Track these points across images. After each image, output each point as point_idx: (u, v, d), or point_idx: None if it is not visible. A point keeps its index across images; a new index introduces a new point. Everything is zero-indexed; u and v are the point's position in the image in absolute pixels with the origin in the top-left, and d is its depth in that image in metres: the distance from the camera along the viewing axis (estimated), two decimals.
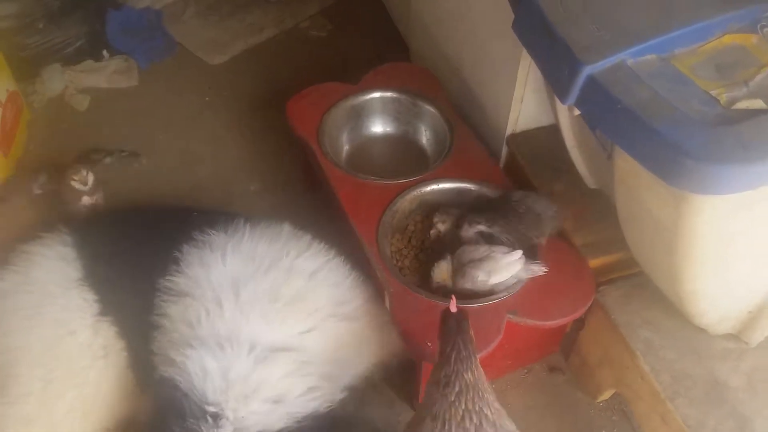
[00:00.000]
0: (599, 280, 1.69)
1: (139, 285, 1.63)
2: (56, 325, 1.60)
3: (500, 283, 1.61)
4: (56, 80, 2.65)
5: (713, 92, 1.09)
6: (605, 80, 1.13)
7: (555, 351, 1.94)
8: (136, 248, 1.71)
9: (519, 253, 1.61)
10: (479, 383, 1.24)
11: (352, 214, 1.80)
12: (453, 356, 1.22)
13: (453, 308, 1.28)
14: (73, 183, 2.04)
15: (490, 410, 1.24)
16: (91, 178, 2.07)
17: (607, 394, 1.80)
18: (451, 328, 1.25)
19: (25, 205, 2.24)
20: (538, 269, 1.62)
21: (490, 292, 1.61)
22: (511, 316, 1.58)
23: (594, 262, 1.71)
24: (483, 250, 1.62)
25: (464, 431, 1.20)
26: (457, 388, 1.21)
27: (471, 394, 1.22)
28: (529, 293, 1.62)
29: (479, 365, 1.26)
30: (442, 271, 1.66)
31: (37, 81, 2.63)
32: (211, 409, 1.43)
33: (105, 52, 2.76)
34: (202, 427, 1.41)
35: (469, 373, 1.22)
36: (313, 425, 1.50)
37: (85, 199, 2.08)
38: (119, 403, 1.67)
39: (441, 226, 1.77)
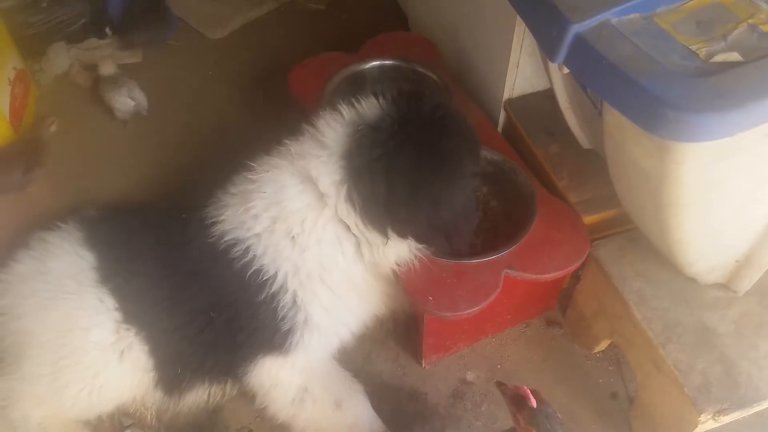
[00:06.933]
0: (594, 236, 1.76)
1: (159, 293, 1.65)
2: (69, 318, 1.64)
3: None
4: (62, 58, 2.71)
5: (693, 47, 1.15)
6: (591, 38, 1.19)
7: (553, 307, 2.01)
8: (153, 250, 1.71)
9: None
10: None
11: None
12: None
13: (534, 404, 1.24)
14: None
15: None
16: None
17: (602, 345, 1.87)
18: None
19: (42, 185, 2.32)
20: None
21: None
22: (508, 271, 1.65)
23: (589, 219, 1.78)
24: None
25: None
26: None
27: None
28: (526, 249, 1.69)
29: None
30: None
31: (43, 59, 2.70)
32: None
33: (108, 30, 2.81)
34: None
35: None
36: None
37: None
38: (131, 400, 1.73)
39: None
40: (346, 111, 1.58)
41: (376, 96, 1.59)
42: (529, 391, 1.22)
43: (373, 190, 1.52)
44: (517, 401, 1.22)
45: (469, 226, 1.67)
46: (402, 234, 1.57)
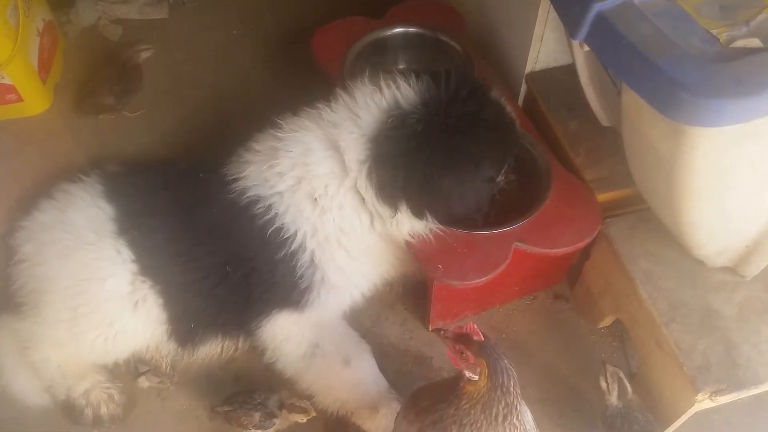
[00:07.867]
0: (607, 214, 1.77)
1: (176, 248, 1.70)
2: (86, 267, 1.69)
3: None
4: (90, 11, 2.74)
5: (714, 31, 1.14)
6: (613, 17, 1.18)
7: (561, 281, 2.04)
8: (172, 206, 1.75)
9: None
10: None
11: None
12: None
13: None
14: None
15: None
16: None
17: (608, 321, 1.90)
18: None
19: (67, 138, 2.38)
20: None
21: None
22: (519, 244, 1.67)
23: (603, 197, 1.79)
24: None
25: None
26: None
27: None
28: (538, 223, 1.71)
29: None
30: None
31: (71, 11, 2.72)
32: None
33: None
34: None
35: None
36: None
37: None
38: (146, 349, 1.80)
39: None
40: (386, 93, 1.61)
41: (418, 77, 1.61)
42: (475, 326, 1.27)
43: (391, 178, 1.58)
44: (463, 339, 1.27)
45: (481, 215, 1.71)
46: (416, 215, 1.62)
